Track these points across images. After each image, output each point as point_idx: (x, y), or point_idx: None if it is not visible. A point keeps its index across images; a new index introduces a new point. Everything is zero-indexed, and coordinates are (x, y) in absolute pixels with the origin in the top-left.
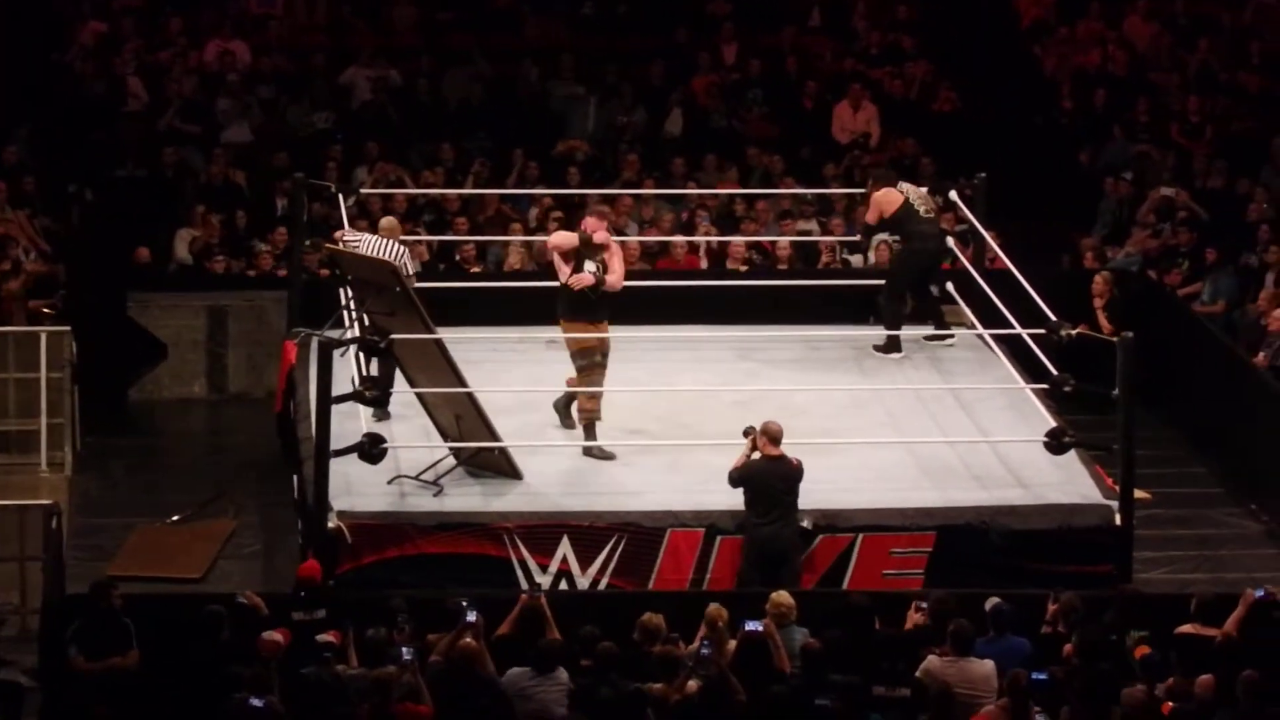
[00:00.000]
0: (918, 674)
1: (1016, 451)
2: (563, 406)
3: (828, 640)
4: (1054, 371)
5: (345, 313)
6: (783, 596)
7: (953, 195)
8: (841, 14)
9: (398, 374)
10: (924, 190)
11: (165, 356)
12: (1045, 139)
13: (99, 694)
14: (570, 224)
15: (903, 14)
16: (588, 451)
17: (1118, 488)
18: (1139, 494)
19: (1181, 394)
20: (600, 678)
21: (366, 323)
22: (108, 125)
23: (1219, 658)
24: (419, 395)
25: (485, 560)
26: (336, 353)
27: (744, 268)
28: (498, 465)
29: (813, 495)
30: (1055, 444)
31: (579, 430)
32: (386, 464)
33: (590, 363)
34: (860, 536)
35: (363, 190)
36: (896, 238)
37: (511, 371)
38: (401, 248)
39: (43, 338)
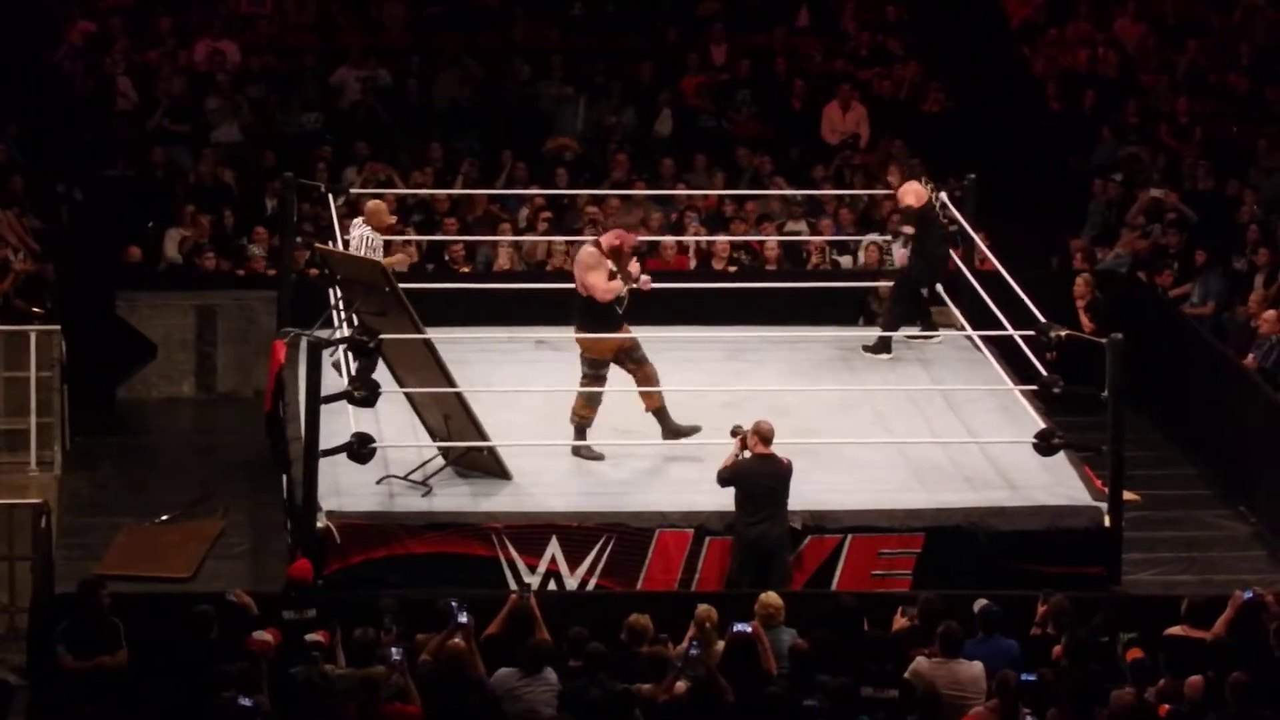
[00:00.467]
0: (906, 675)
1: (1006, 453)
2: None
3: (816, 641)
4: (1044, 373)
5: (335, 312)
6: (771, 597)
7: (942, 196)
8: (831, 15)
9: (386, 374)
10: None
11: (154, 356)
12: (1034, 140)
13: (87, 693)
14: (560, 224)
15: (892, 15)
16: (576, 452)
17: (1107, 489)
18: (1128, 496)
19: (1171, 396)
20: (589, 678)
21: (356, 323)
22: (97, 125)
23: (1209, 659)
24: (408, 395)
25: (474, 560)
26: (326, 352)
27: (732, 269)
28: (486, 465)
29: (802, 496)
30: (1044, 445)
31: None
32: (375, 464)
33: (599, 374)
34: (849, 537)
35: (352, 190)
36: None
37: (500, 371)
38: (374, 235)
39: (32, 337)
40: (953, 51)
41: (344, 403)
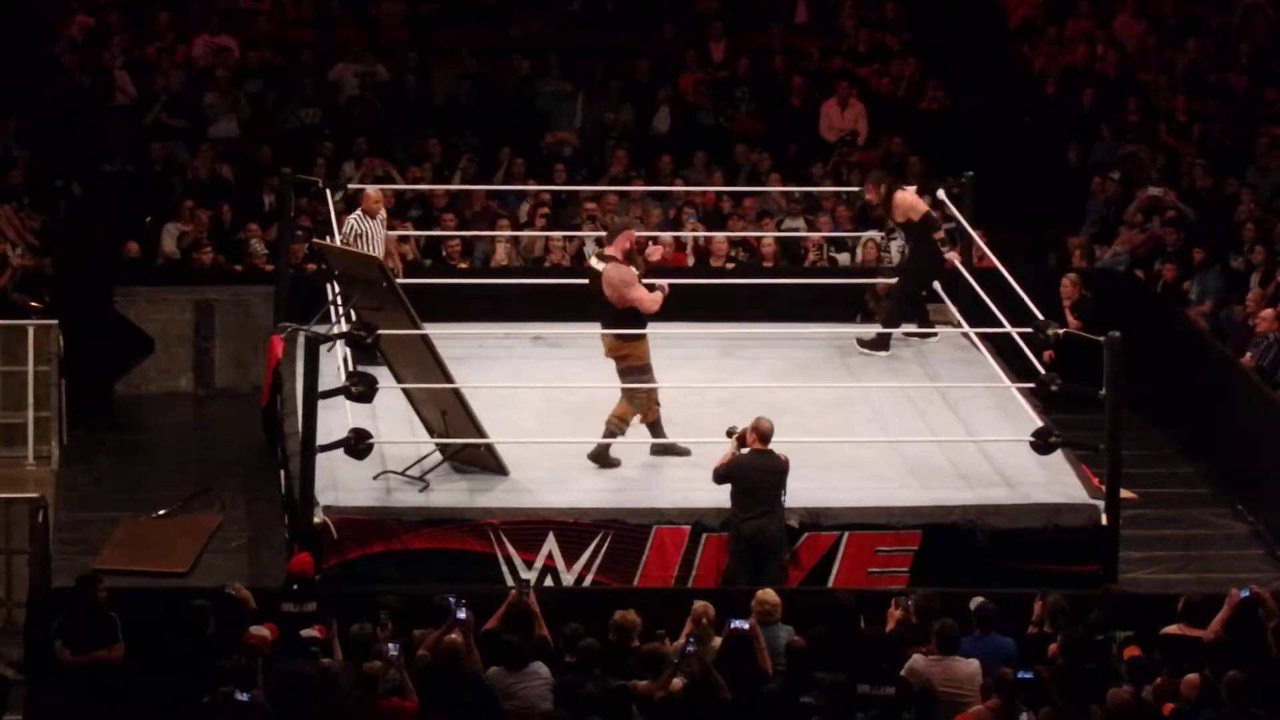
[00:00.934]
0: (903, 672)
1: (1003, 451)
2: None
3: (813, 638)
4: (1041, 371)
5: (332, 308)
6: (768, 594)
7: (940, 194)
8: (829, 12)
9: (384, 369)
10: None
11: (152, 351)
12: (1033, 138)
13: (84, 687)
14: (558, 220)
15: (890, 12)
16: (597, 458)
17: (1104, 487)
18: (1125, 494)
19: (1168, 394)
20: (583, 674)
21: (353, 318)
22: (95, 120)
23: (1207, 658)
24: (405, 391)
25: (471, 556)
26: (323, 348)
27: (729, 265)
28: (484, 461)
29: (798, 493)
30: (1042, 443)
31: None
32: (372, 459)
33: (645, 379)
34: (846, 535)
35: (350, 186)
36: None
37: (498, 367)
38: (359, 220)
39: (30, 331)
40: (951, 49)
41: (341, 398)
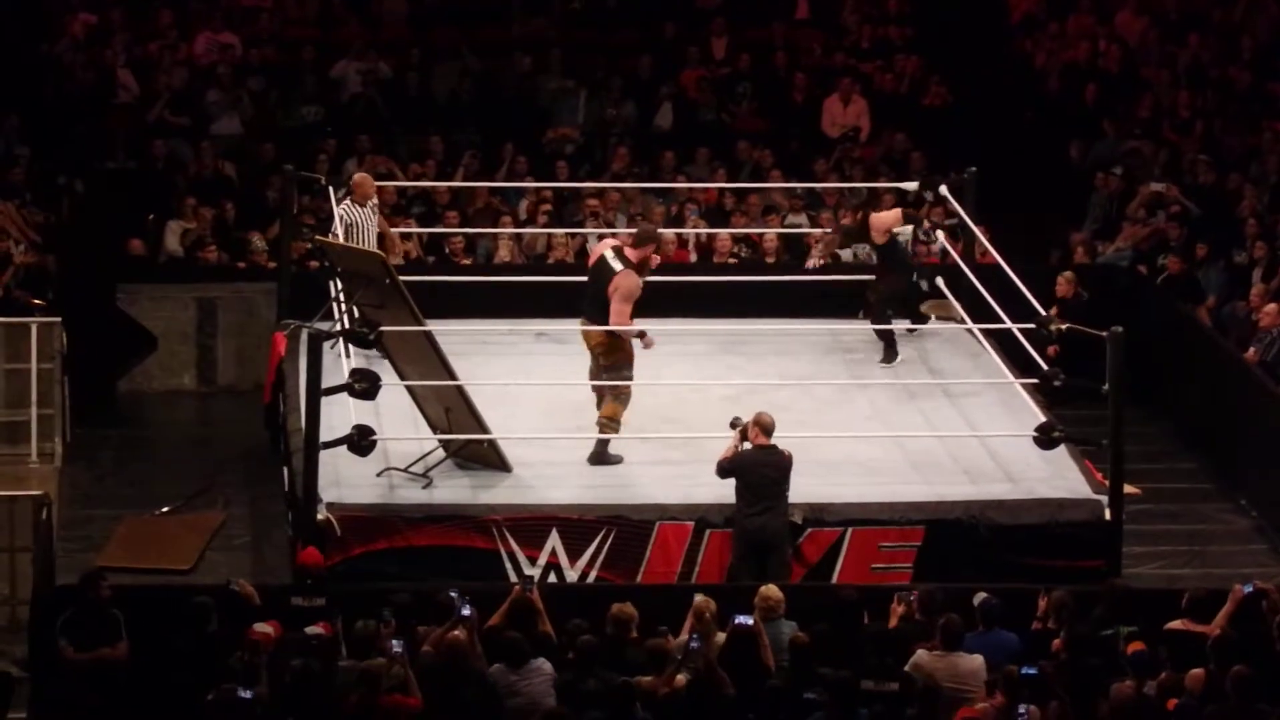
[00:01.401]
0: (906, 668)
1: (1006, 446)
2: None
3: (816, 634)
4: (1044, 366)
5: (335, 305)
6: (772, 590)
7: (943, 190)
8: (830, 8)
9: (386, 366)
10: None
11: (155, 348)
12: (1035, 134)
13: (88, 684)
14: (560, 216)
15: (892, 8)
16: (600, 459)
17: (1107, 482)
18: (1128, 489)
19: (1171, 389)
20: (585, 671)
21: (356, 315)
22: (97, 117)
23: (1212, 653)
24: (408, 387)
25: (474, 553)
26: (326, 345)
27: (732, 260)
28: (487, 458)
29: (801, 489)
30: (1045, 439)
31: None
32: (375, 456)
33: (628, 375)
34: (849, 530)
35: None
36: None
37: (500, 364)
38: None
39: (33, 329)
40: (953, 45)
41: (344, 395)
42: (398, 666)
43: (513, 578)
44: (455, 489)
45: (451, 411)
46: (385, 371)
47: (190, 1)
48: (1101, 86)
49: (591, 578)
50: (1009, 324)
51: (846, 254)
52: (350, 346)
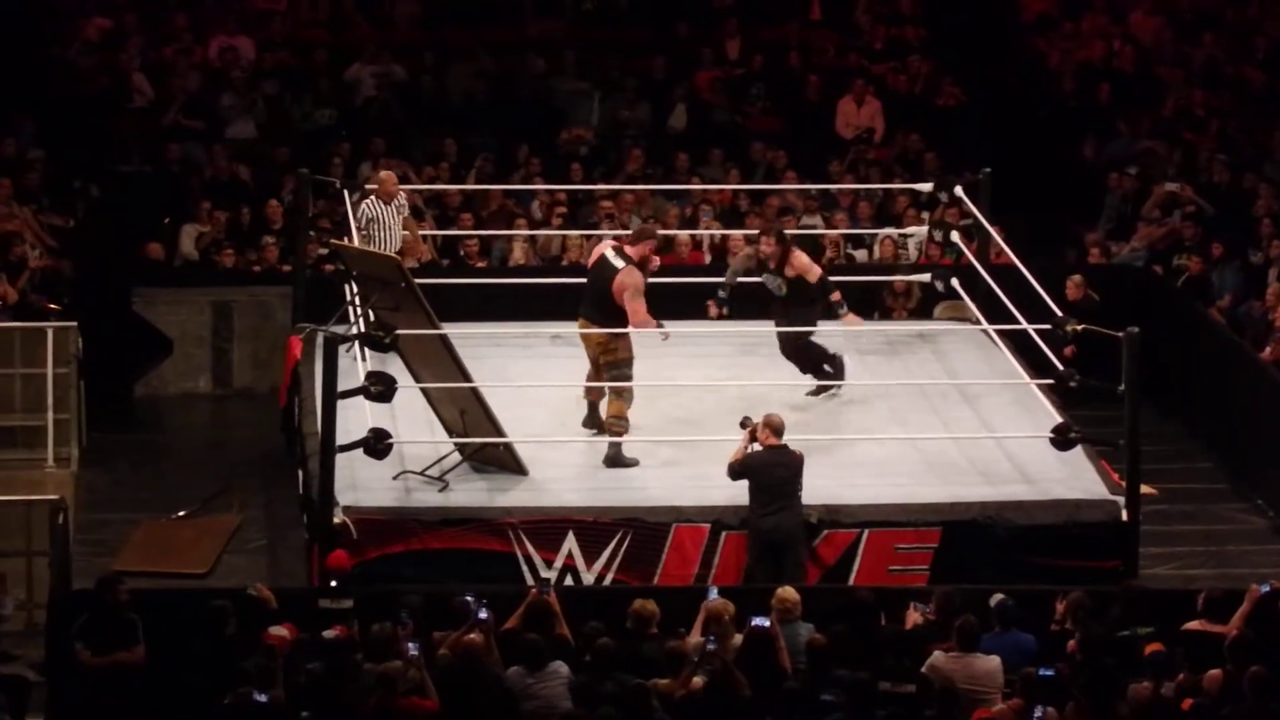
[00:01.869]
0: (923, 670)
1: (1022, 447)
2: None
3: (833, 636)
4: (1060, 366)
5: (350, 308)
6: (788, 592)
7: (958, 190)
8: (844, 8)
9: (402, 368)
10: None
11: (170, 352)
12: (1049, 134)
13: (105, 689)
14: (574, 218)
15: (906, 8)
16: (614, 462)
17: (1124, 483)
18: (1145, 489)
19: (1187, 389)
20: (599, 673)
21: (371, 318)
22: (112, 121)
23: (1229, 654)
24: (424, 390)
25: (490, 556)
26: (342, 348)
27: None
28: (503, 461)
29: (817, 490)
30: (1061, 439)
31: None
32: (391, 459)
33: (628, 374)
34: (865, 532)
35: (367, 186)
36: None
37: (516, 366)
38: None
39: (49, 333)
40: (967, 45)
41: (360, 398)
42: (414, 669)
43: (529, 581)
44: (471, 492)
45: (467, 414)
46: (400, 374)
47: (204, 5)
48: (1116, 86)
49: (608, 580)
50: (1025, 325)
51: (860, 254)
52: (366, 349)
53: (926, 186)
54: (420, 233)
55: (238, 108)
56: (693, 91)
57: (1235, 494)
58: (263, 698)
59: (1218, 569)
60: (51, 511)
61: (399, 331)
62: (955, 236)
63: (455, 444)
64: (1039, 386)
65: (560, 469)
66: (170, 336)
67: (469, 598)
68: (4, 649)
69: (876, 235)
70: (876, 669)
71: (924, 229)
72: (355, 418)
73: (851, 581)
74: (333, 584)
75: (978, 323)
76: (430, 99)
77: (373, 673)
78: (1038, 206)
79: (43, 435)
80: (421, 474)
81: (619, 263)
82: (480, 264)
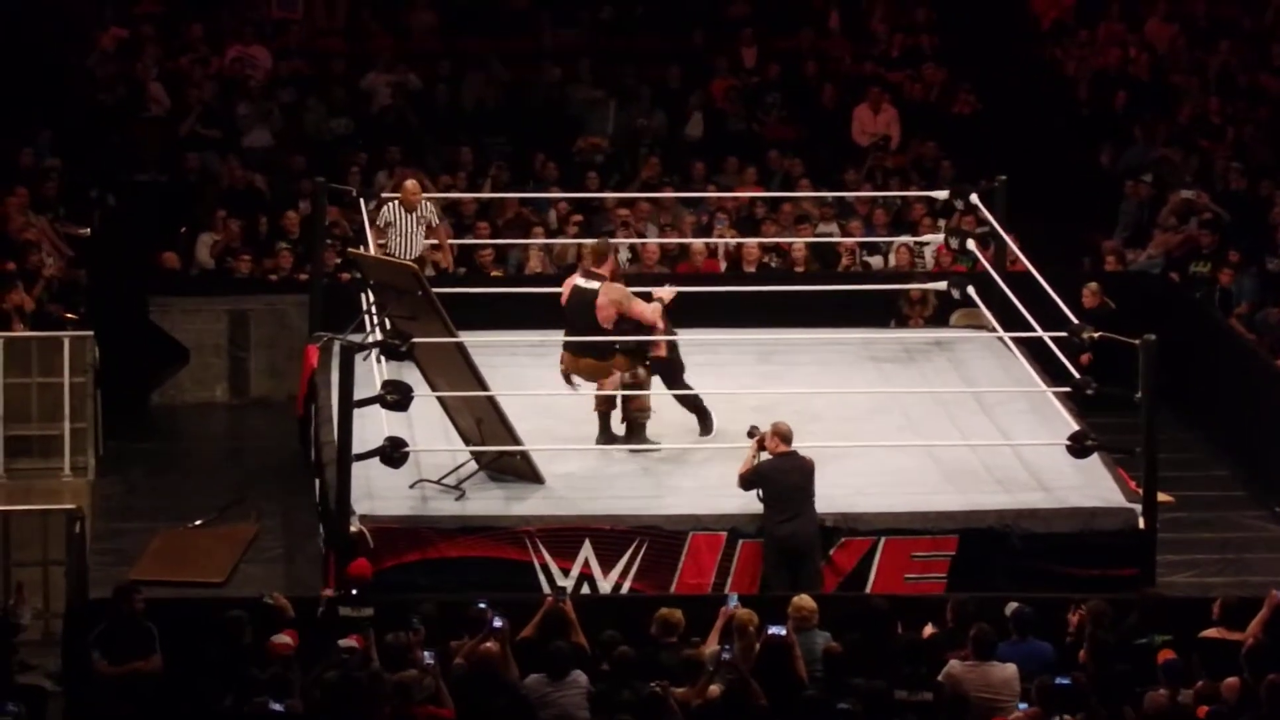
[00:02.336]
0: (939, 678)
1: (1039, 455)
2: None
3: (849, 644)
4: (1076, 374)
5: (366, 316)
6: (805, 600)
7: (973, 198)
8: (860, 17)
9: (418, 377)
10: None
11: (187, 361)
12: (1065, 141)
13: (121, 698)
14: (590, 226)
15: (921, 16)
16: (636, 441)
17: (1141, 491)
18: (1162, 497)
19: (1204, 396)
20: (618, 681)
21: (388, 327)
22: (129, 130)
23: (1245, 662)
24: (440, 399)
25: (507, 564)
26: (358, 357)
27: (767, 261)
28: (519, 469)
29: (833, 498)
30: (1078, 447)
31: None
32: (408, 467)
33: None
34: (882, 540)
35: (383, 195)
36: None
37: (532, 374)
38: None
39: (65, 343)
40: (983, 53)
41: (376, 406)
42: (429, 678)
43: (545, 589)
44: (488, 500)
45: (483, 423)
46: (417, 383)
47: (221, 15)
48: (1131, 94)
49: (625, 589)
50: (1041, 332)
51: (876, 261)
52: (383, 358)
53: (942, 194)
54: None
55: (254, 117)
56: (708, 100)
57: (1253, 501)
58: (279, 706)
59: (1235, 577)
60: (68, 521)
61: (415, 340)
62: (971, 244)
63: (471, 452)
64: (1055, 394)
65: (577, 477)
66: (187, 345)
67: (483, 605)
68: (21, 658)
69: (892, 243)
70: (893, 677)
71: (940, 236)
72: (372, 426)
73: (868, 589)
74: (353, 592)
75: (994, 330)
76: (446, 107)
77: (388, 681)
78: (1054, 214)
79: (59, 444)
80: (438, 483)
81: (594, 284)
82: (496, 273)
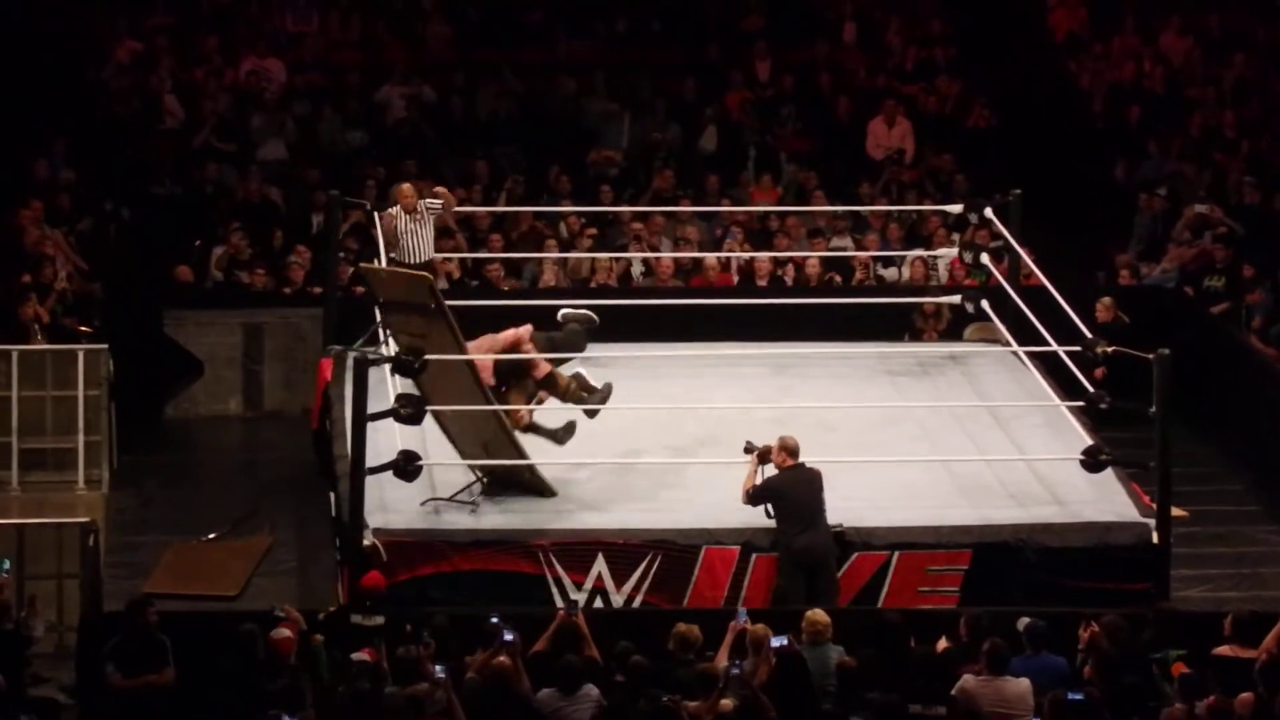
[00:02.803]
0: (953, 693)
1: (1053, 469)
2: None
3: (863, 658)
4: (1090, 388)
5: (380, 329)
6: (818, 615)
7: (988, 212)
8: (875, 30)
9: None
10: None
11: (201, 373)
12: (1080, 155)
13: (135, 711)
14: (604, 240)
15: (936, 29)
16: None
17: (1155, 505)
18: (1176, 511)
19: (1218, 411)
20: (634, 693)
21: (397, 346)
22: (143, 142)
23: (1260, 677)
24: (438, 419)
25: (520, 578)
26: (372, 369)
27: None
28: (530, 485)
29: (847, 512)
30: (1092, 461)
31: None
32: (421, 481)
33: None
34: (896, 554)
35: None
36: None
37: None
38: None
39: (80, 355)
40: (998, 66)
41: (390, 420)
42: (441, 691)
43: (559, 602)
44: (501, 514)
45: (490, 445)
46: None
47: (236, 27)
48: (1146, 107)
49: (637, 602)
50: (1055, 346)
51: (890, 274)
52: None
53: (956, 208)
54: (447, 256)
55: (268, 129)
56: (723, 113)
57: (1267, 516)
58: None
59: (1249, 591)
60: (82, 533)
61: (429, 357)
62: (985, 258)
63: (479, 466)
64: (1069, 408)
65: (590, 491)
66: (201, 358)
67: (494, 619)
68: (35, 671)
69: (906, 256)
70: (907, 692)
71: (954, 250)
72: (385, 440)
73: (881, 603)
74: (367, 604)
75: (1008, 344)
76: (460, 120)
77: (400, 695)
78: (1068, 228)
79: (74, 457)
80: (451, 500)
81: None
82: (507, 286)
